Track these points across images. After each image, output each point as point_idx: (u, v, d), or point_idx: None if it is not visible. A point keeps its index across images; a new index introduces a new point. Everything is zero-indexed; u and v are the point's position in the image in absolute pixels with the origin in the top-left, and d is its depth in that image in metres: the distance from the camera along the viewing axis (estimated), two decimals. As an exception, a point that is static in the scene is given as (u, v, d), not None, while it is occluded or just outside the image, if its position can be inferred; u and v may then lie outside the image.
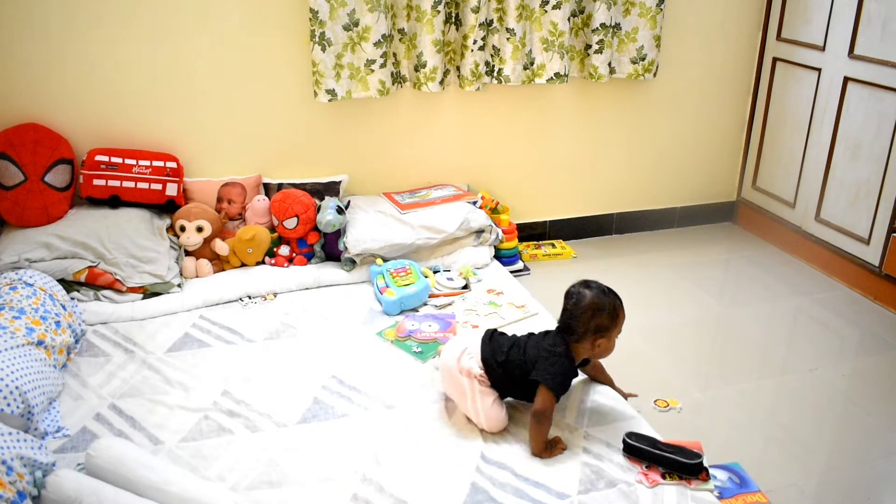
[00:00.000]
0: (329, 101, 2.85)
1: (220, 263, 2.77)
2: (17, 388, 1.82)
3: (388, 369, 2.20)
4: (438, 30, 2.88)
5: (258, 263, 2.81)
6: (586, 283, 1.91)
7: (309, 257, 2.84)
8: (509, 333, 2.03)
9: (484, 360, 1.92)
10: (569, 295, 1.91)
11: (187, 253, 2.74)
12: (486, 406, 1.90)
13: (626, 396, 2.13)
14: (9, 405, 1.78)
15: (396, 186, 3.21)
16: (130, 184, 2.68)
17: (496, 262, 2.98)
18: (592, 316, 1.85)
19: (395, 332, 2.38)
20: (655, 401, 2.26)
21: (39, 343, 2.04)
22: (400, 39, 2.94)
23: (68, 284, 2.48)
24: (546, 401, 1.84)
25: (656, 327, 2.76)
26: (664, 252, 3.44)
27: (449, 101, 3.15)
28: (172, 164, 2.76)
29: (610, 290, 1.91)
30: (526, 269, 3.22)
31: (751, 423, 2.25)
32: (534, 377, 1.86)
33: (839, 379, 2.47)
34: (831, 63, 3.11)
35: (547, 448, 1.85)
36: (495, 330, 2.02)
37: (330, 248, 2.84)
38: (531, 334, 1.98)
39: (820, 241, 3.25)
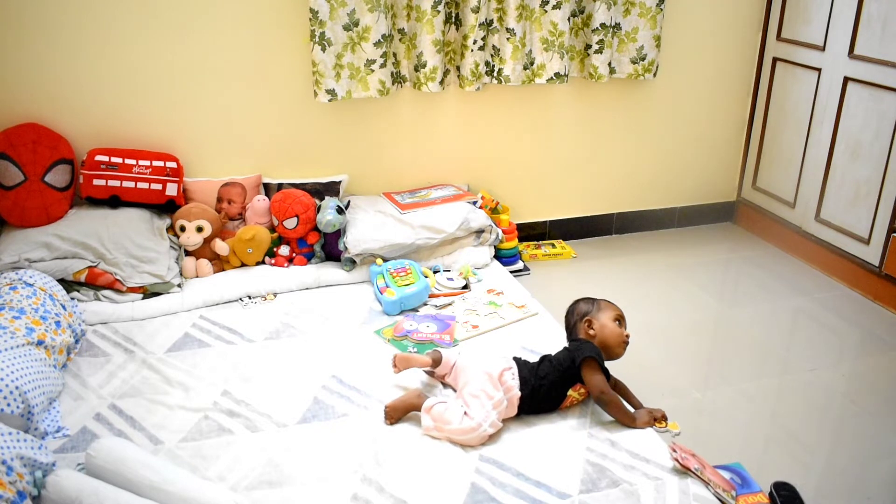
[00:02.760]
0: (329, 101, 2.85)
1: (220, 263, 2.76)
2: (17, 388, 1.82)
3: (388, 369, 2.20)
4: (438, 30, 2.88)
5: (258, 263, 2.80)
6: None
7: (309, 257, 2.84)
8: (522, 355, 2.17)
9: (522, 377, 1.97)
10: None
11: (187, 253, 2.74)
12: (493, 421, 1.89)
13: (655, 421, 2.05)
14: (9, 405, 1.78)
15: (396, 186, 3.21)
16: (130, 184, 2.68)
17: (496, 262, 2.98)
18: (573, 311, 2.13)
19: (393, 331, 2.38)
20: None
21: (39, 343, 2.04)
22: (400, 39, 2.94)
23: (68, 284, 2.48)
24: (594, 375, 1.95)
25: (656, 327, 2.76)
26: (664, 252, 3.44)
27: (449, 101, 3.15)
28: (172, 164, 2.76)
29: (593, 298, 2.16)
30: (526, 269, 3.22)
31: (751, 423, 2.25)
32: (577, 361, 1.96)
33: (839, 379, 2.47)
34: (831, 63, 3.11)
35: (640, 418, 1.97)
36: (525, 364, 2.05)
37: (330, 248, 2.84)
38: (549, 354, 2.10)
39: (820, 241, 3.25)
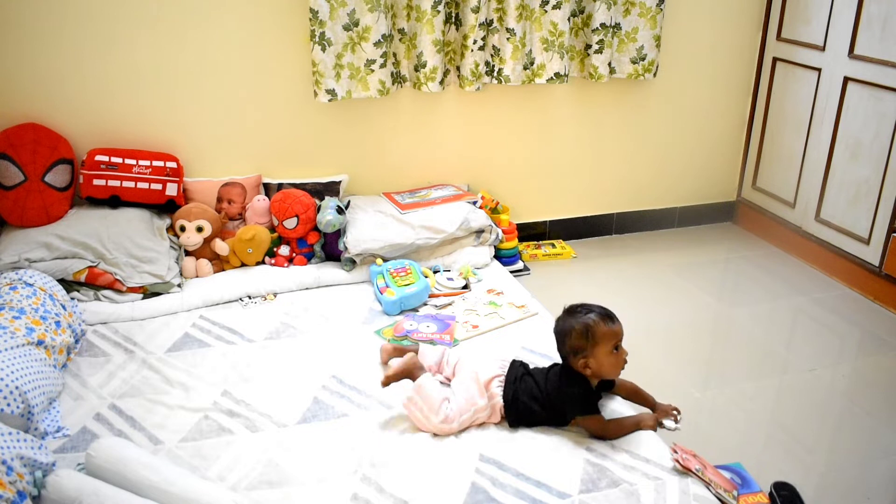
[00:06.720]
0: (329, 101, 2.85)
1: (220, 263, 2.76)
2: (17, 388, 1.82)
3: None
4: (438, 30, 2.88)
5: (258, 263, 2.80)
6: (565, 308, 1.97)
7: (309, 257, 2.84)
8: (532, 365, 2.07)
9: (505, 398, 1.95)
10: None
11: (187, 253, 2.74)
12: (464, 422, 1.93)
13: (666, 416, 2.02)
14: (9, 405, 1.78)
15: (396, 186, 3.21)
16: (130, 184, 2.68)
17: (496, 262, 2.98)
18: (563, 340, 1.91)
19: (393, 331, 2.38)
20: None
21: (39, 343, 2.04)
22: (400, 39, 2.94)
23: (68, 284, 2.48)
24: (593, 423, 1.90)
25: (656, 327, 2.76)
26: (664, 252, 3.44)
27: (449, 101, 3.15)
28: (172, 164, 2.76)
29: (579, 310, 1.91)
30: (526, 269, 3.22)
31: (751, 423, 2.25)
32: (570, 418, 1.93)
33: (839, 379, 2.47)
34: (831, 63, 3.11)
35: (644, 421, 1.93)
36: (522, 370, 2.02)
37: (330, 248, 2.84)
38: (548, 372, 1.98)
39: (820, 241, 3.25)
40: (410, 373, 2.01)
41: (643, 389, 2.09)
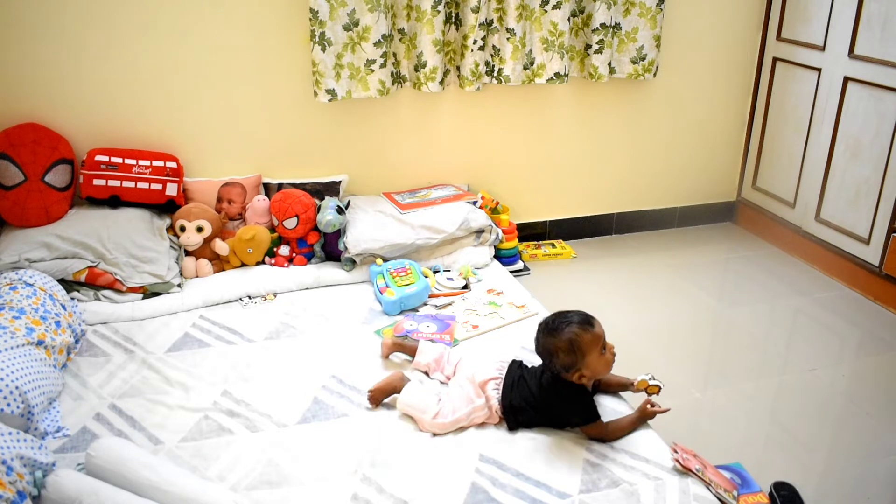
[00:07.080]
0: (329, 101, 2.85)
1: (220, 263, 2.77)
2: (17, 388, 1.82)
3: (388, 370, 2.20)
4: (438, 30, 2.88)
5: (258, 263, 2.80)
6: (541, 325, 1.92)
7: (309, 257, 2.84)
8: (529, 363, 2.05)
9: (503, 403, 1.94)
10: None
11: (187, 253, 2.74)
12: (460, 419, 1.93)
13: (634, 387, 2.03)
14: (9, 405, 1.78)
15: (396, 186, 3.21)
16: (130, 184, 2.68)
17: (496, 262, 2.98)
18: (551, 359, 1.88)
19: (393, 331, 2.38)
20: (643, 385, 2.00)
21: (39, 343, 2.04)
22: (400, 39, 2.94)
23: (68, 284, 2.48)
24: (595, 430, 1.90)
25: (656, 327, 2.76)
26: (664, 252, 3.44)
27: (449, 101, 3.15)
28: (172, 164, 2.76)
29: (557, 325, 1.86)
30: (526, 269, 3.22)
31: (751, 423, 2.25)
32: (574, 425, 1.92)
33: (839, 379, 2.47)
34: (831, 63, 3.11)
35: (643, 416, 1.92)
36: (519, 372, 1.99)
37: (330, 248, 2.84)
38: (541, 377, 1.94)
39: (820, 241, 3.25)
40: (395, 387, 2.02)
41: (614, 375, 2.04)
